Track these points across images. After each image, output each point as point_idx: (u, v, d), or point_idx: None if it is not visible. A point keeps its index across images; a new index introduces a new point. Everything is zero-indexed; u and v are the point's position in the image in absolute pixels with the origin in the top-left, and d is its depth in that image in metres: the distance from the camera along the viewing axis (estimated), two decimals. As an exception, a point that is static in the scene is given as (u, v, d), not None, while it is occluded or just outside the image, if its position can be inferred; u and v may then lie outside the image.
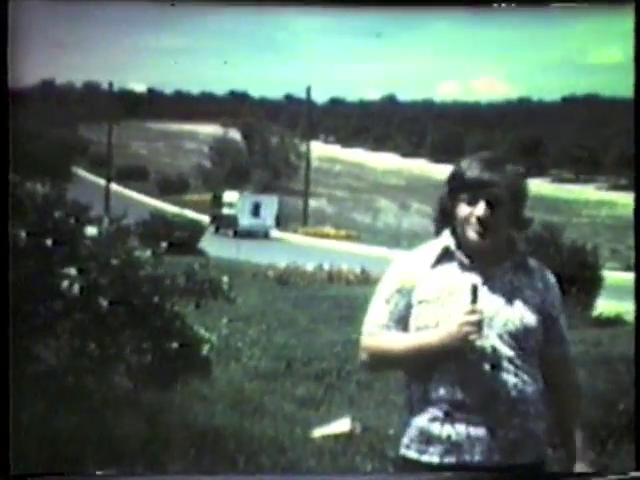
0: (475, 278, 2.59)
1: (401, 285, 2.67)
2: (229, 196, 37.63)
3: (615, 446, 5.39)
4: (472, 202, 2.59)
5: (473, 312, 2.52)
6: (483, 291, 2.59)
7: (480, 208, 2.57)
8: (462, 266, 2.63)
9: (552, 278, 2.74)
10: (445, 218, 2.68)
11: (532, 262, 2.71)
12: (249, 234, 32.57)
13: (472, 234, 2.59)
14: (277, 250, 24.77)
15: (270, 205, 37.23)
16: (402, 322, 2.65)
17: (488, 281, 2.61)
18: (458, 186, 2.63)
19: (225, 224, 34.55)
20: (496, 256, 2.64)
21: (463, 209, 2.61)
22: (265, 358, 8.51)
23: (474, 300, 2.54)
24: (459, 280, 2.60)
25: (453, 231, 2.67)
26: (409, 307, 2.65)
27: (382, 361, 2.70)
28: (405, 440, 2.66)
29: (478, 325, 2.52)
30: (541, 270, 2.72)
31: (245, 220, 35.32)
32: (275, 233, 35.78)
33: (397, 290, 2.67)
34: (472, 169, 2.62)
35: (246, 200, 36.73)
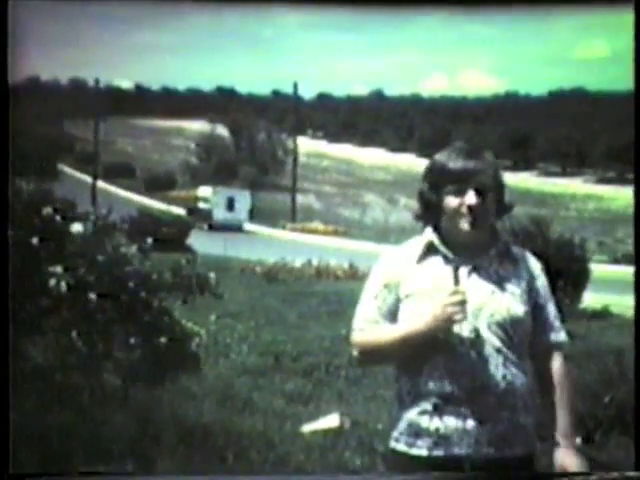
0: (461, 270, 2.60)
1: (388, 280, 2.68)
2: (203, 191, 38.62)
3: (603, 437, 5.41)
4: (460, 193, 2.59)
5: (456, 292, 2.53)
6: (469, 282, 2.60)
7: (470, 197, 2.58)
8: (447, 260, 2.63)
9: (538, 265, 2.73)
10: (429, 213, 2.68)
11: (516, 250, 2.71)
12: (223, 227, 33.19)
13: (464, 225, 2.59)
14: (265, 246, 24.77)
15: (243, 199, 38.10)
16: (390, 317, 2.66)
17: (474, 272, 2.62)
18: (442, 178, 2.62)
19: (200, 218, 35.04)
20: (480, 246, 2.64)
21: (451, 201, 2.60)
22: (254, 354, 8.51)
23: (456, 282, 2.54)
24: (445, 273, 2.60)
25: (435, 226, 2.67)
26: (397, 302, 2.66)
27: (373, 355, 2.70)
28: (395, 433, 2.67)
29: (461, 305, 2.52)
30: (525, 258, 2.72)
31: (219, 214, 36.26)
32: (248, 226, 36.43)
33: (384, 285, 2.68)
34: (454, 160, 2.62)
35: (220, 195, 37.59)
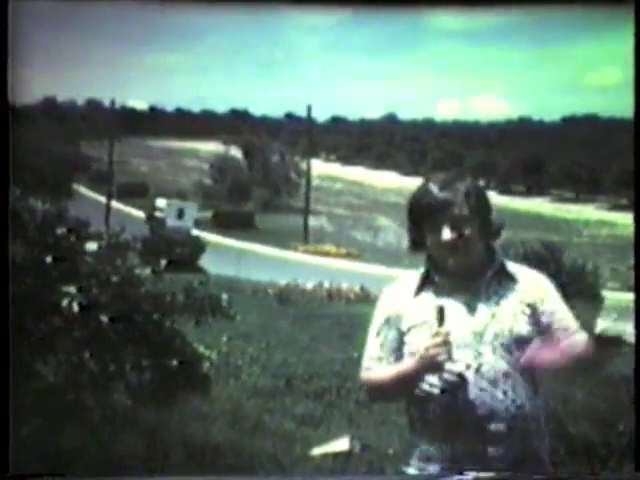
0: (459, 298, 2.59)
1: (388, 316, 2.69)
2: (159, 202, 44.18)
3: (616, 465, 5.37)
4: (436, 228, 2.58)
5: (437, 334, 2.52)
6: (468, 308, 2.60)
7: (445, 233, 2.57)
8: (443, 289, 2.62)
9: (538, 276, 2.71)
10: (418, 248, 2.68)
11: (511, 266, 2.69)
12: (173, 232, 37.15)
13: (445, 259, 2.59)
14: (277, 268, 24.76)
15: (191, 211, 43.68)
16: (395, 352, 2.67)
17: (472, 297, 2.61)
18: (418, 215, 2.62)
19: (155, 224, 40.17)
20: (476, 269, 2.63)
21: (430, 237, 2.61)
22: (265, 376, 8.49)
23: (440, 322, 2.54)
24: (444, 303, 2.59)
25: (429, 257, 2.67)
26: (400, 336, 2.66)
27: (379, 393, 2.73)
28: (407, 458, 2.67)
29: (444, 346, 2.51)
30: (524, 272, 2.70)
31: (171, 222, 41.51)
32: (195, 232, 40.89)
33: (385, 321, 2.70)
34: (427, 195, 2.61)
35: (172, 206, 43.31)
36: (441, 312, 2.55)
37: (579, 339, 2.66)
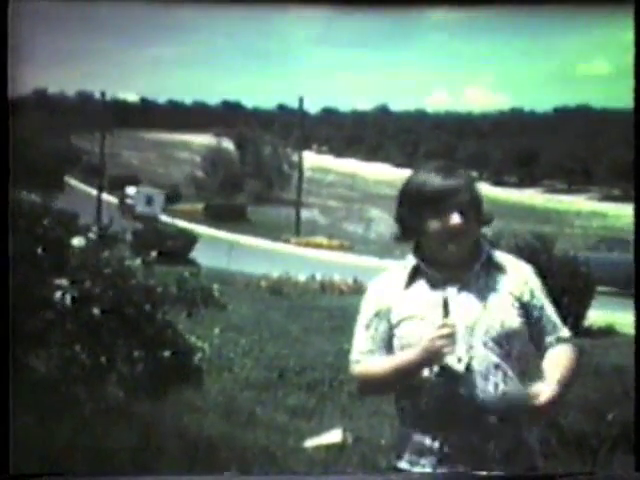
0: (450, 290, 2.58)
1: (378, 308, 2.66)
2: (130, 190, 47.62)
3: (607, 456, 5.39)
4: (441, 214, 2.57)
5: (444, 326, 2.51)
6: (459, 301, 2.58)
7: (455, 218, 2.54)
8: (432, 283, 2.61)
9: (526, 268, 2.69)
10: (409, 236, 2.67)
11: (500, 257, 2.67)
12: (142, 218, 39.15)
13: (451, 246, 2.56)
14: (269, 260, 24.76)
15: (159, 198, 46.67)
16: (385, 345, 2.65)
17: (463, 290, 2.59)
18: (421, 200, 2.58)
19: (126, 210, 42.89)
20: (465, 262, 2.62)
21: (433, 223, 2.57)
22: (257, 368, 8.49)
23: (446, 314, 2.52)
24: (434, 295, 2.58)
25: (417, 248, 2.66)
26: (390, 328, 2.64)
27: (372, 386, 2.71)
28: (397, 452, 2.66)
29: (450, 338, 2.50)
30: (512, 262, 2.68)
31: (140, 208, 44.37)
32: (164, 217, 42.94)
33: (375, 314, 2.67)
34: (431, 181, 2.58)
35: (141, 194, 46.46)
36: (446, 303, 2.53)
37: (561, 351, 2.63)
